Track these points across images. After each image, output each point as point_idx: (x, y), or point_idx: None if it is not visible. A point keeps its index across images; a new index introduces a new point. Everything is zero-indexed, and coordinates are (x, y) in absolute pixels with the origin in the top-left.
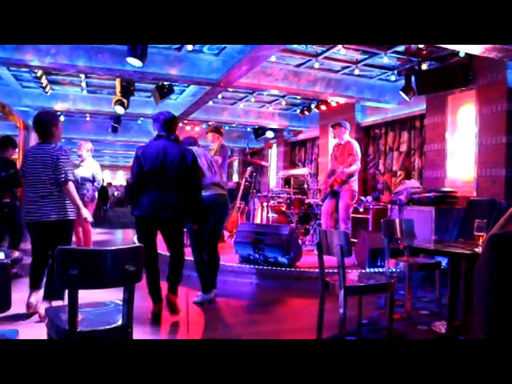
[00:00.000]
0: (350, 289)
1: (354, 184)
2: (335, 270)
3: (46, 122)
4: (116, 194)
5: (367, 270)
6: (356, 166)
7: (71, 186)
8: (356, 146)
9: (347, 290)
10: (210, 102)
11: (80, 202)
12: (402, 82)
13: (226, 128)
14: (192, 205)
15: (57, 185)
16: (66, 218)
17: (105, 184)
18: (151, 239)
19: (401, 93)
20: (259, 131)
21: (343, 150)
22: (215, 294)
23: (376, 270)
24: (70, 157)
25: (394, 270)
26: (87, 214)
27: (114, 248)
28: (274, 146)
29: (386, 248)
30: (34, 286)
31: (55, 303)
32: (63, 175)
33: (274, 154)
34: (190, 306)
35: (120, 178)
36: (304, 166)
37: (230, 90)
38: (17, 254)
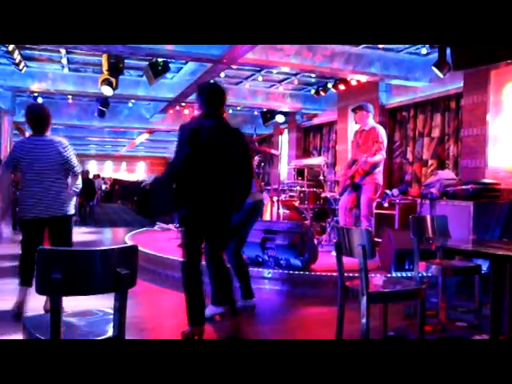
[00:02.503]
0: (373, 295)
1: (379, 176)
2: (356, 274)
3: (43, 114)
4: (104, 187)
5: (393, 275)
6: (381, 156)
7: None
8: (382, 132)
9: (370, 297)
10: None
11: None
12: (435, 56)
13: (230, 111)
14: (240, 202)
15: (64, 178)
16: (70, 213)
17: (90, 176)
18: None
19: (433, 68)
20: (268, 115)
21: (367, 137)
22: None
23: (403, 274)
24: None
25: (424, 274)
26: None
27: (103, 248)
28: (285, 131)
29: (415, 249)
30: (28, 283)
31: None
32: (77, 167)
33: (284, 141)
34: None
35: (108, 169)
36: (319, 155)
37: (234, 67)
38: None
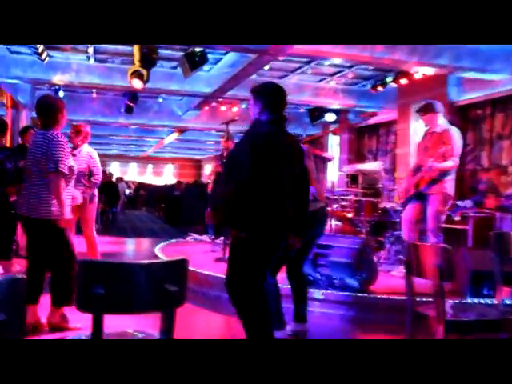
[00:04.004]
0: (452, 324)
1: (449, 185)
2: (427, 299)
3: (50, 107)
4: (127, 192)
5: (468, 300)
6: (452, 162)
7: (60, 179)
8: (456, 134)
9: (449, 326)
10: (254, 76)
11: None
12: None
13: None
14: (302, 219)
15: (43, 177)
16: (50, 217)
17: (113, 179)
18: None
19: None
20: (316, 113)
21: (438, 140)
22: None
23: (481, 300)
24: (65, 145)
25: (508, 302)
26: (69, 215)
27: (149, 262)
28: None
29: (496, 271)
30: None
31: None
32: (52, 164)
33: (335, 143)
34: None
35: (132, 172)
36: (375, 159)
37: (281, 58)
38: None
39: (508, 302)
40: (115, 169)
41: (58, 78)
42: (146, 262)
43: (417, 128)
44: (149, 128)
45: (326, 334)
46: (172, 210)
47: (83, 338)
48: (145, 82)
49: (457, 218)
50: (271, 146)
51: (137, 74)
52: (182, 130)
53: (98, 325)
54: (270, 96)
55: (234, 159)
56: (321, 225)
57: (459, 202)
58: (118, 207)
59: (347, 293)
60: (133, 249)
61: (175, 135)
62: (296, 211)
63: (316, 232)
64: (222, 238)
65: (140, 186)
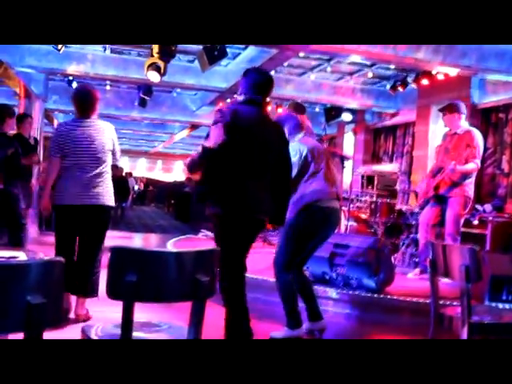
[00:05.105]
0: (477, 327)
1: (469, 188)
2: (444, 302)
3: (90, 96)
4: (136, 187)
5: (486, 304)
6: (474, 165)
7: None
8: (479, 136)
9: (473, 329)
10: (272, 72)
11: None
12: None
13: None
14: (281, 208)
15: (107, 165)
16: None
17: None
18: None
19: None
20: (332, 112)
21: (459, 142)
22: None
23: (500, 305)
24: None
25: None
26: None
27: (181, 250)
28: (350, 132)
29: None
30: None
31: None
32: (118, 155)
33: (350, 143)
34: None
35: (141, 168)
36: (391, 161)
37: (301, 55)
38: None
39: None
40: (124, 164)
41: (73, 69)
42: (178, 250)
43: (436, 130)
44: (160, 123)
45: (342, 335)
46: (182, 206)
47: (111, 327)
48: (162, 75)
49: (475, 222)
50: (239, 121)
51: (154, 67)
52: (194, 126)
53: (128, 313)
54: (253, 78)
55: (207, 134)
56: (336, 225)
57: (478, 206)
58: (128, 202)
59: (363, 293)
60: (144, 244)
61: (187, 131)
62: (274, 199)
63: (330, 231)
64: None
65: (149, 182)
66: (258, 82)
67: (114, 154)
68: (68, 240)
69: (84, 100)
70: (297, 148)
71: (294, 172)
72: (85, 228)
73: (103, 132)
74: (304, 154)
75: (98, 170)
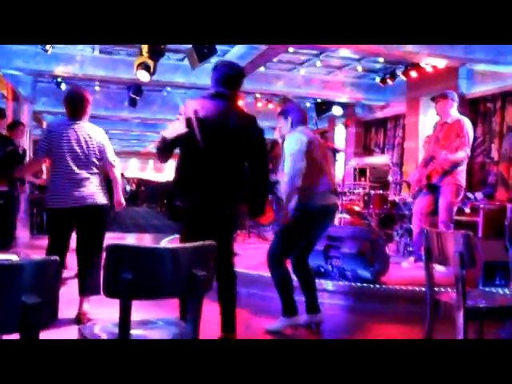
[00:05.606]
0: (472, 311)
1: (461, 176)
2: (439, 289)
3: (81, 98)
4: (128, 188)
5: (480, 288)
6: (464, 153)
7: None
8: (468, 125)
9: (469, 314)
10: (261, 68)
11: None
12: None
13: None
14: (259, 200)
15: (98, 167)
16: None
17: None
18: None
19: None
20: (323, 106)
21: (449, 131)
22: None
23: (493, 289)
24: None
25: None
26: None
27: (176, 246)
28: (341, 126)
29: (511, 261)
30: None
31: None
32: (114, 158)
33: (341, 136)
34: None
35: (133, 168)
36: (382, 153)
37: (291, 50)
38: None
39: None
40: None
41: (62, 70)
42: (174, 246)
43: (426, 121)
44: (151, 122)
45: (340, 326)
46: (175, 205)
47: (110, 325)
48: (151, 74)
49: (467, 210)
50: (201, 115)
51: (143, 66)
52: None
53: (126, 311)
54: (221, 72)
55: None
56: (330, 218)
57: (470, 194)
58: None
59: (359, 284)
60: (138, 244)
61: None
62: (252, 191)
63: (327, 225)
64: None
65: (140, 182)
66: (226, 75)
67: (107, 155)
68: (60, 242)
69: (75, 102)
70: (298, 137)
71: (294, 162)
72: (81, 229)
73: (93, 135)
74: (305, 143)
75: (88, 173)
